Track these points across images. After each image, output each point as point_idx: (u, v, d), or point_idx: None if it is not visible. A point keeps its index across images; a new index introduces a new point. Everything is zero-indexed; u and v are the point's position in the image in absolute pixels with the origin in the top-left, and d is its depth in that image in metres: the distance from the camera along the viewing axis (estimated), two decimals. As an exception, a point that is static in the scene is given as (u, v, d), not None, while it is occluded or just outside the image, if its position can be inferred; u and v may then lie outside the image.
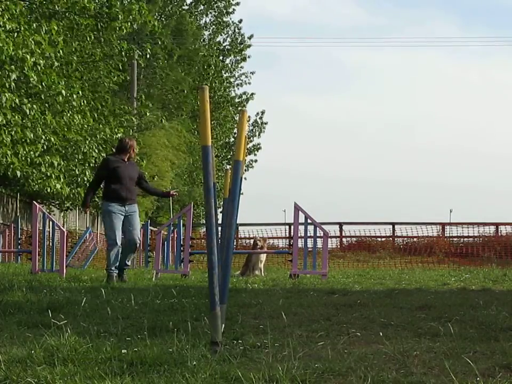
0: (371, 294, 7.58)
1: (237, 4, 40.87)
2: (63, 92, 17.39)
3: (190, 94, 35.98)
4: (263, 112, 44.43)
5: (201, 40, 39.09)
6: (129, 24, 19.19)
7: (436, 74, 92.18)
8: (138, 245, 10.16)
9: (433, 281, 10.30)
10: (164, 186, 32.32)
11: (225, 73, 41.67)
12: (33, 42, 15.31)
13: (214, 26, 41.15)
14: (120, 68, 23.21)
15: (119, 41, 21.31)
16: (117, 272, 9.88)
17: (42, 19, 17.70)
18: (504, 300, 6.95)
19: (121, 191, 9.84)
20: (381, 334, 4.68)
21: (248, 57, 42.36)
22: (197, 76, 37.76)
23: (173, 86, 35.56)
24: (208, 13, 40.81)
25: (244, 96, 42.84)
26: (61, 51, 17.38)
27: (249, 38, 41.69)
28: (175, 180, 34.73)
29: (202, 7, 40.48)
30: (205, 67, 37.89)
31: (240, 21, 41.68)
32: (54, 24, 16.91)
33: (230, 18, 41.27)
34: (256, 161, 44.14)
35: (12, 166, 16.73)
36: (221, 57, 40.88)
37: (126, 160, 10.07)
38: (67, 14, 18.76)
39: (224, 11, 40.85)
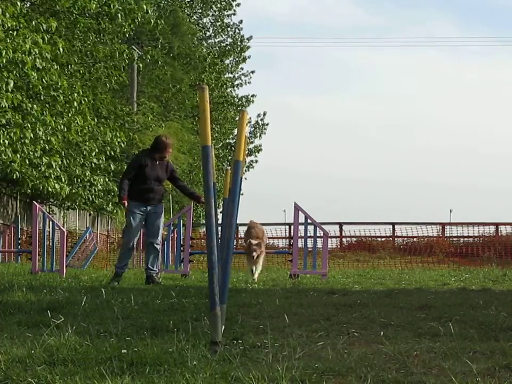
0: (371, 294, 7.58)
1: (238, 5, 40.95)
2: (64, 84, 17.37)
3: (190, 93, 35.97)
4: (264, 114, 44.42)
5: (199, 38, 39.08)
6: (129, 23, 19.22)
7: (435, 74, 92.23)
8: (159, 247, 9.87)
9: (433, 281, 10.30)
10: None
11: (225, 74, 41.68)
12: (31, 41, 15.31)
13: (214, 27, 41.20)
14: (121, 68, 23.23)
15: (119, 42, 21.33)
16: (123, 272, 9.77)
17: (42, 17, 17.70)
18: (504, 300, 6.95)
19: (144, 192, 9.68)
20: (381, 334, 4.68)
21: (248, 57, 42.41)
22: (196, 73, 37.72)
23: (171, 85, 35.54)
24: (208, 13, 40.84)
25: (244, 99, 42.83)
26: (61, 49, 17.38)
27: (248, 39, 41.74)
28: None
29: (200, 7, 40.52)
30: (202, 61, 37.77)
31: (241, 22, 41.71)
32: (53, 21, 16.90)
33: (231, 20, 41.33)
34: (256, 161, 44.11)
35: (10, 166, 16.73)
36: (221, 58, 40.88)
37: (158, 159, 9.84)
38: (67, 14, 18.78)
39: (225, 13, 40.88)
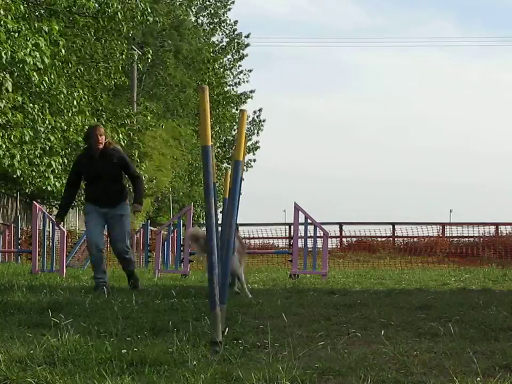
0: (371, 294, 7.58)
1: (232, 2, 41.13)
2: (64, 90, 17.40)
3: (191, 93, 36.03)
4: (260, 110, 44.48)
5: (198, 37, 39.27)
6: (130, 23, 19.24)
7: (435, 74, 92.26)
8: (127, 255, 8.45)
9: (433, 281, 10.30)
10: (163, 184, 32.35)
11: (223, 71, 41.80)
12: (31, 44, 15.31)
13: (211, 25, 41.41)
14: (120, 69, 23.25)
15: (119, 42, 21.32)
16: (104, 281, 8.21)
17: (43, 18, 17.73)
18: (504, 300, 6.95)
19: (94, 193, 8.39)
20: (381, 334, 4.68)
21: (246, 55, 42.52)
22: (199, 75, 37.80)
23: (176, 86, 35.61)
24: (204, 14, 41.06)
25: (243, 97, 42.90)
26: (62, 51, 17.41)
27: (246, 36, 41.86)
28: (175, 180, 34.77)
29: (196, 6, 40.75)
30: (204, 61, 37.90)
31: (236, 22, 41.85)
32: (55, 23, 16.93)
33: (227, 17, 41.52)
34: (255, 160, 44.16)
35: (11, 166, 16.75)
36: (219, 56, 41.03)
37: (96, 153, 8.32)
38: (67, 13, 18.81)
39: (221, 11, 41.06)
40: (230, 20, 41.65)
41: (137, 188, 8.61)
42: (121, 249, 8.39)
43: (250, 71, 43.45)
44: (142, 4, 19.62)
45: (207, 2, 40.96)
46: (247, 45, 42.05)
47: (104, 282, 8.14)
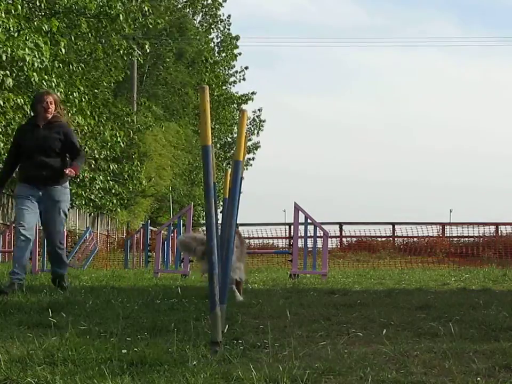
0: (371, 294, 7.57)
1: (224, 0, 41.22)
2: (63, 91, 17.41)
3: (191, 93, 36.06)
4: (260, 110, 44.54)
5: (199, 38, 39.37)
6: (130, 24, 19.27)
7: (435, 74, 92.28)
8: (60, 247, 7.62)
9: (433, 281, 10.29)
10: (163, 184, 32.31)
11: (220, 71, 41.91)
12: (32, 43, 15.32)
13: (205, 24, 41.52)
14: (120, 65, 23.27)
15: (118, 40, 21.32)
16: (20, 279, 7.33)
17: (43, 18, 17.74)
18: (504, 300, 6.94)
19: (30, 169, 7.45)
20: (381, 334, 4.67)
21: (239, 54, 42.59)
22: (199, 75, 37.84)
23: (176, 87, 35.64)
24: (198, 10, 41.17)
25: (244, 98, 42.94)
26: (62, 49, 17.42)
27: (236, 39, 41.87)
28: (176, 179, 34.75)
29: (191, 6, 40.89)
30: (203, 61, 37.96)
31: (229, 17, 41.83)
32: (55, 22, 16.92)
33: (222, 14, 41.60)
34: (253, 159, 44.27)
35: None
36: (216, 55, 41.14)
37: (42, 122, 7.55)
38: (68, 14, 18.83)
39: (214, 8, 41.13)
40: (223, 15, 41.75)
41: (80, 158, 7.63)
42: (53, 239, 7.57)
43: (246, 68, 43.53)
44: (145, 8, 19.66)
45: (204, 2, 41.03)
46: (237, 46, 42.11)
47: (20, 281, 7.32)
